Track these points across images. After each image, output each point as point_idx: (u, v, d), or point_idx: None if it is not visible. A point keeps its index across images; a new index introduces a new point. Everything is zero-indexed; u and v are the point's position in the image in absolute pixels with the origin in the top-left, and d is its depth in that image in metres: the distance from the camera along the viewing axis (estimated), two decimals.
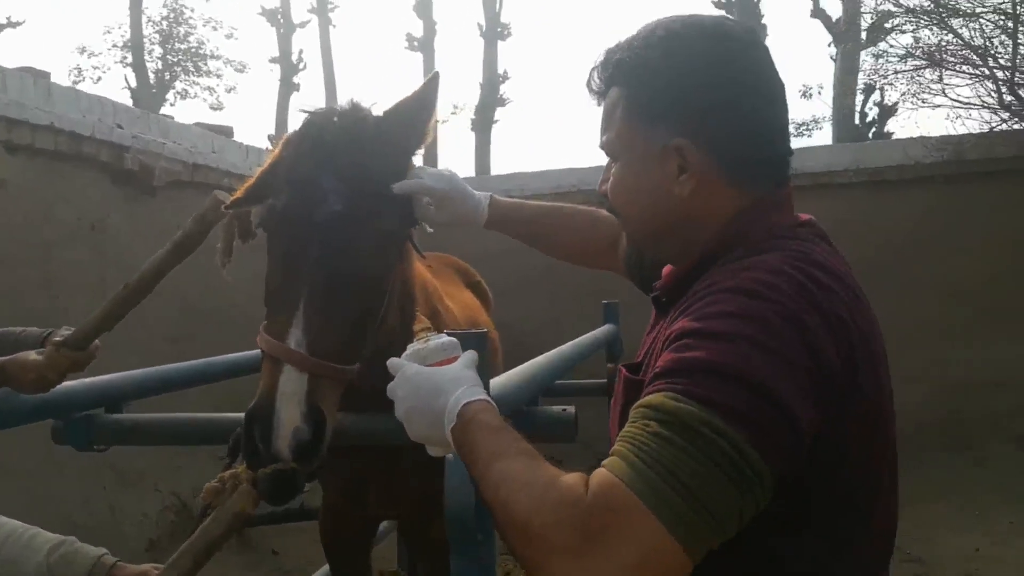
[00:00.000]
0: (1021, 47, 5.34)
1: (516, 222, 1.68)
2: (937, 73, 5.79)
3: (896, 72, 6.09)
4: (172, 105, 20.07)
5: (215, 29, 21.80)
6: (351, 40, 44.94)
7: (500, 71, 17.04)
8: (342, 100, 1.66)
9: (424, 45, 17.50)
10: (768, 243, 0.98)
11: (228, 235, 1.73)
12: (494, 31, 17.06)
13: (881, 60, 6.34)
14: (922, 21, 5.50)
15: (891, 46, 6.06)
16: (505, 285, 4.78)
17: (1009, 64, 5.43)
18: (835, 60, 14.47)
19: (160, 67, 20.11)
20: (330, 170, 1.48)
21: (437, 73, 1.67)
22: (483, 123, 16.98)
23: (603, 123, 1.11)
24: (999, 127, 6.08)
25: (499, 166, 21.86)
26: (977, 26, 5.51)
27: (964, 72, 5.70)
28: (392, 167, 1.57)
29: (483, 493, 0.90)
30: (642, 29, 1.07)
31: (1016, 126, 6.03)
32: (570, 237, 1.68)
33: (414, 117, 1.61)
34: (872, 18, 10.62)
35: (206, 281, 6.08)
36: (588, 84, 1.14)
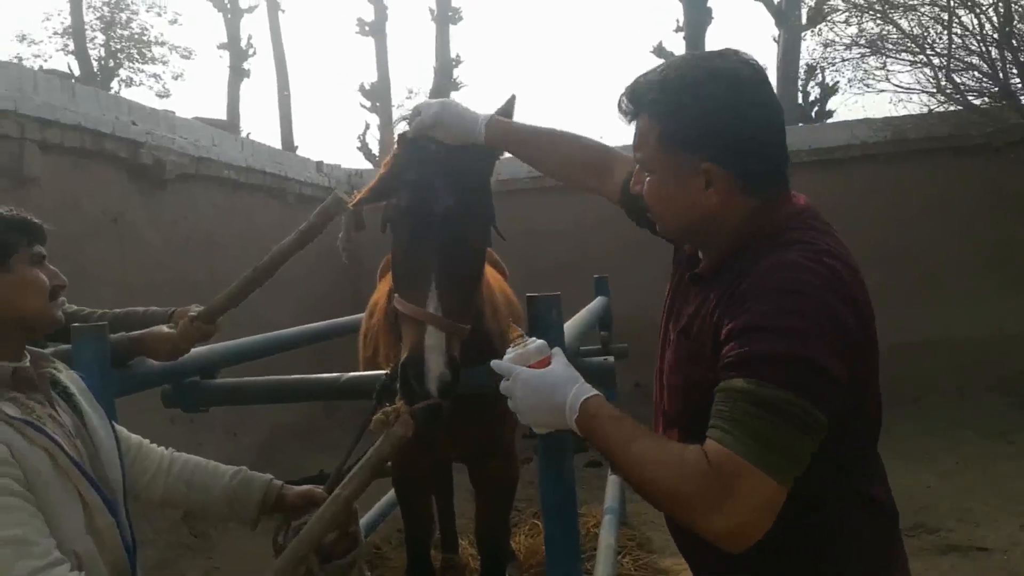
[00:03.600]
0: (955, 37, 5.90)
1: (515, 140, 1.86)
2: (881, 61, 6.34)
3: (843, 60, 6.62)
4: (117, 92, 19.74)
5: (159, 15, 21.57)
6: (301, 25, 44.09)
7: (453, 55, 17.12)
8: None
9: (375, 30, 17.47)
10: (784, 235, 1.31)
11: (348, 226, 2.08)
12: (445, 15, 17.07)
13: (829, 48, 6.84)
14: (866, 15, 6.02)
15: (838, 36, 6.58)
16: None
17: (945, 52, 6.00)
18: (777, 42, 14.89)
19: (103, 54, 19.74)
20: (440, 172, 1.87)
21: (514, 96, 2.04)
22: None
23: (637, 141, 1.38)
24: (936, 109, 6.69)
25: None
26: (915, 18, 6.07)
27: (904, 60, 6.25)
28: (483, 166, 1.96)
29: (626, 473, 1.25)
30: (671, 72, 1.34)
31: (951, 108, 6.65)
32: (564, 157, 1.86)
33: None
34: (813, 1, 11.21)
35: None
36: (619, 106, 1.42)
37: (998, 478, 5.53)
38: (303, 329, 3.27)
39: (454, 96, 17.01)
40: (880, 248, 7.24)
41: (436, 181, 1.86)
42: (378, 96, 17.23)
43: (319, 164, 7.65)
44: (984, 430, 6.60)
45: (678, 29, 15.53)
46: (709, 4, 14.86)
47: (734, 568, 1.29)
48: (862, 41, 6.39)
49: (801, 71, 14.26)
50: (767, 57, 15.03)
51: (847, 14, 6.25)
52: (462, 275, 1.87)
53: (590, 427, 1.31)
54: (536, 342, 1.48)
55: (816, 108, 14.17)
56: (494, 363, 1.48)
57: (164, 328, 2.15)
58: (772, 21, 14.79)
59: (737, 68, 1.32)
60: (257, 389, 2.58)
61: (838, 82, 13.19)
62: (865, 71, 6.67)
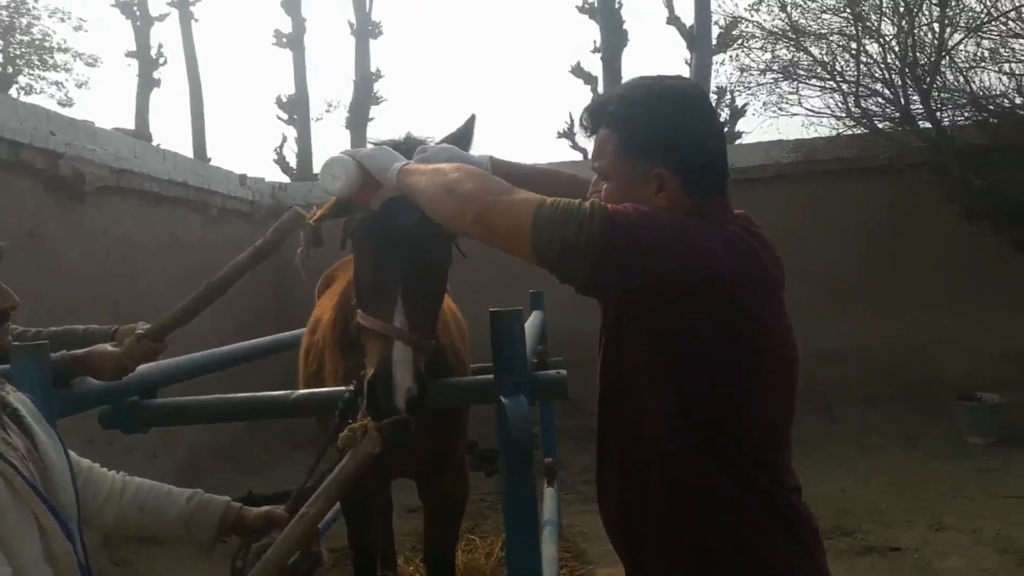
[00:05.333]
0: (862, 66, 6.27)
1: (519, 178, 1.91)
2: (793, 86, 6.67)
3: (759, 84, 6.93)
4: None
5: (63, 20, 20.47)
6: (215, 36, 42.83)
7: (373, 69, 17.04)
8: (398, 133, 2.07)
9: (294, 42, 17.18)
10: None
11: (307, 243, 2.07)
12: (365, 29, 16.96)
13: (745, 73, 7.16)
14: (780, 42, 6.33)
15: (753, 62, 6.90)
16: None
17: (853, 79, 6.36)
18: (689, 65, 15.41)
19: (1, 60, 18.77)
20: None
21: (474, 115, 2.10)
22: (358, 121, 16.90)
23: (595, 152, 1.53)
24: (845, 132, 7.08)
25: None
26: (826, 46, 6.41)
27: (815, 85, 6.60)
28: None
29: (424, 188, 1.57)
30: (628, 91, 1.50)
31: (859, 131, 7.04)
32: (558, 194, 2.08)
33: (459, 145, 2.04)
34: (722, 27, 11.68)
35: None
36: (581, 122, 1.58)
37: (908, 481, 5.85)
38: (245, 346, 3.20)
39: (374, 111, 16.96)
40: (792, 262, 7.32)
41: (401, 197, 1.88)
42: (296, 109, 16.94)
43: (242, 177, 7.48)
44: (892, 435, 6.97)
45: (595, 50, 15.90)
46: (625, 27, 15.26)
47: (670, 561, 1.40)
48: (775, 67, 6.72)
49: (712, 93, 14.77)
50: None
51: (763, 41, 6.56)
52: (428, 290, 1.89)
53: (403, 175, 1.64)
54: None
55: (726, 129, 14.72)
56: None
57: (107, 347, 2.09)
58: (684, 44, 15.31)
59: (687, 87, 1.51)
60: (203, 409, 2.52)
61: (747, 104, 13.77)
62: (779, 95, 7.01)
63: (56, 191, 4.66)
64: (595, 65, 15.89)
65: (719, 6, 13.19)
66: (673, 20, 15.40)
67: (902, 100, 6.21)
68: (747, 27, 6.89)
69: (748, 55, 6.48)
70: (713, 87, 14.64)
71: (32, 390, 1.76)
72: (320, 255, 2.14)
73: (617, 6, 15.23)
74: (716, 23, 13.83)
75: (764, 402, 1.42)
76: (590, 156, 1.56)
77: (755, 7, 6.65)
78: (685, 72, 15.52)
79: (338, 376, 2.60)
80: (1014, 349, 7.48)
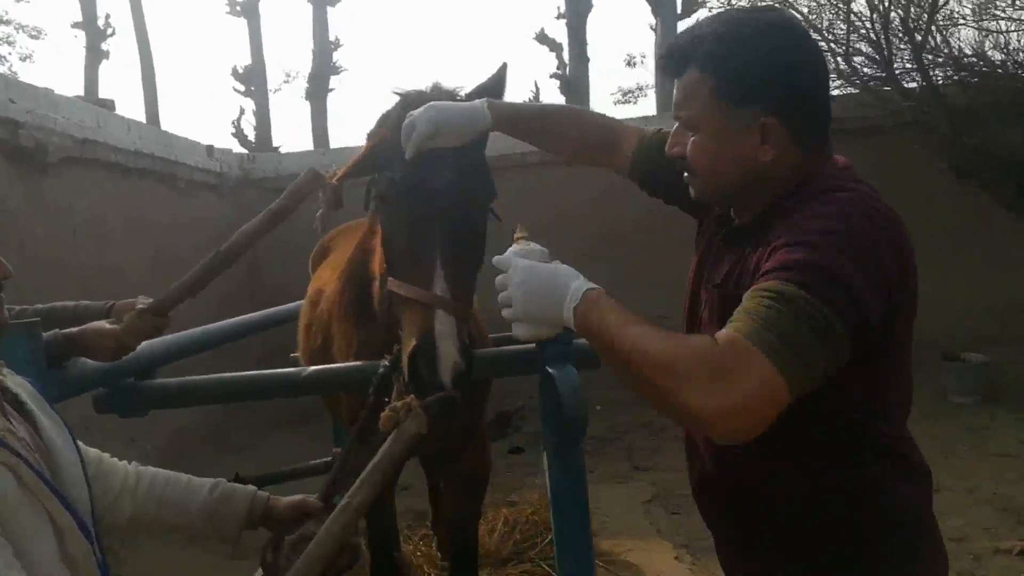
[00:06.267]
0: (854, 22, 6.16)
1: (522, 125, 1.76)
2: None
3: None
4: None
5: None
6: (166, 4, 41.33)
7: (332, 38, 16.62)
8: (425, 82, 1.88)
9: (248, 10, 16.68)
10: (830, 184, 1.29)
11: (328, 204, 1.87)
12: None
13: None
14: None
15: None
16: None
17: (844, 39, 6.26)
18: (655, 30, 15.28)
19: None
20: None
21: (505, 63, 1.94)
22: (317, 92, 16.54)
23: (680, 99, 1.32)
24: (833, 93, 6.98)
25: (339, 137, 21.40)
26: (815, 5, 6.30)
27: None
28: (479, 141, 1.82)
29: (618, 348, 1.15)
30: (723, 26, 1.29)
31: (847, 91, 6.97)
32: (572, 139, 1.78)
33: (491, 97, 1.86)
34: None
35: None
36: (663, 62, 1.35)
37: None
38: (240, 320, 3.01)
39: (333, 81, 16.52)
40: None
41: (436, 154, 1.69)
42: (253, 80, 16.47)
43: (209, 148, 7.15)
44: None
45: (559, 16, 15.71)
46: None
47: (773, 534, 1.28)
48: None
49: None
50: (647, 46, 15.41)
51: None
52: (469, 254, 1.73)
53: (589, 314, 1.21)
54: (539, 246, 1.38)
55: None
56: (496, 258, 1.36)
57: (104, 324, 1.89)
58: (649, 9, 15.15)
59: (789, 19, 1.34)
60: (208, 389, 2.34)
61: None
62: None
63: (17, 162, 4.35)
64: (560, 31, 15.67)
65: None
66: None
67: (889, 58, 6.12)
68: None
69: (697, 10, 6.26)
70: None
71: (24, 372, 1.56)
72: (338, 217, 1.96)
73: None
74: None
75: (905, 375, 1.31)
76: (674, 103, 1.35)
77: None
78: (650, 38, 15.44)
79: (351, 350, 2.42)
80: (996, 306, 7.54)
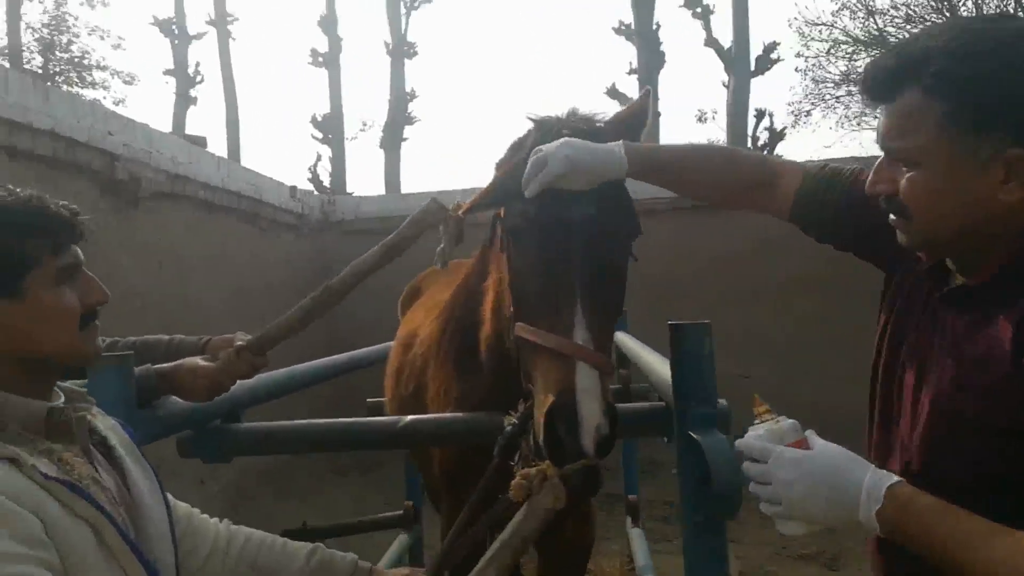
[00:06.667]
0: None
1: (664, 165, 1.58)
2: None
3: (836, 98, 6.53)
4: None
5: (102, 38, 20.68)
6: (252, 54, 43.27)
7: (408, 89, 16.98)
8: (561, 108, 1.72)
9: (329, 61, 17.22)
10: None
11: (450, 238, 1.72)
12: (400, 49, 17.01)
13: (820, 85, 6.77)
14: (868, 50, 5.95)
15: (828, 73, 6.51)
16: None
17: None
18: (727, 87, 15.17)
19: (40, 77, 18.86)
20: None
21: (648, 89, 1.79)
22: (392, 141, 16.86)
23: (896, 127, 1.11)
24: None
25: (409, 184, 21.73)
26: None
27: None
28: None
29: (961, 563, 0.96)
30: (955, 39, 1.08)
31: None
32: (717, 177, 1.59)
33: (631, 126, 1.70)
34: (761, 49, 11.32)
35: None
36: (868, 86, 1.15)
37: None
38: (327, 362, 2.86)
39: (407, 131, 16.82)
40: (866, 279, 7.16)
41: (569, 186, 1.53)
42: (330, 128, 16.91)
43: (293, 189, 7.21)
44: None
45: (631, 71, 15.74)
46: (662, 48, 15.13)
47: None
48: (852, 77, 6.32)
49: (752, 116, 14.51)
50: (718, 102, 15.35)
51: (844, 49, 6.17)
52: (611, 297, 1.54)
53: (902, 520, 1.01)
54: (788, 420, 1.15)
55: (766, 152, 14.43)
56: (741, 442, 1.15)
57: (199, 360, 1.76)
58: (722, 66, 15.06)
59: None
60: (297, 435, 2.18)
61: (785, 128, 13.44)
62: (859, 110, 6.57)
63: (111, 195, 4.37)
64: (631, 87, 15.69)
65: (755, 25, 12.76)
66: (711, 42, 15.27)
67: None
68: (830, 33, 6.50)
69: (770, 67, 6.05)
70: (752, 110, 14.40)
71: (115, 412, 1.42)
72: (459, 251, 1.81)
73: (655, 27, 15.18)
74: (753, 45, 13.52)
75: None
76: (883, 132, 1.14)
77: (839, 13, 6.26)
78: (722, 96, 15.28)
79: (449, 399, 2.24)
80: None
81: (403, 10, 17.09)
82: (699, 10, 15.16)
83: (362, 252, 1.72)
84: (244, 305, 5.79)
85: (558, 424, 1.35)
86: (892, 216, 1.17)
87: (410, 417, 2.11)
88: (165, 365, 1.74)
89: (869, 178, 1.19)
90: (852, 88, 6.05)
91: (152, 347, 2.00)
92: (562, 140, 1.51)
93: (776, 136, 14.43)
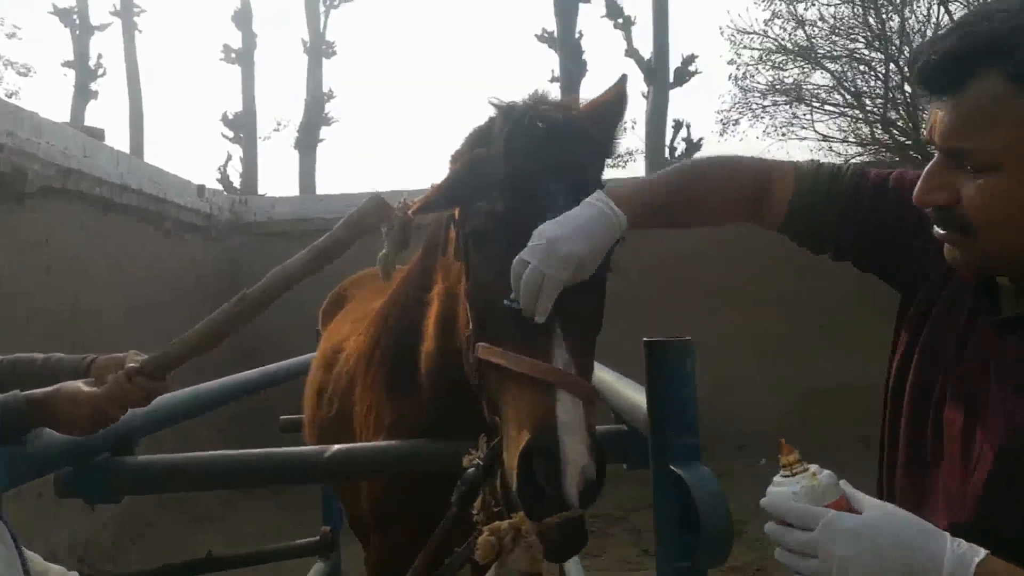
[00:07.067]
0: (892, 88, 5.95)
1: (659, 204, 1.33)
2: (807, 108, 6.31)
3: (763, 108, 6.57)
4: None
5: None
6: (160, 48, 41.44)
7: (325, 89, 16.56)
8: (527, 92, 1.49)
9: (243, 57, 16.59)
10: None
11: (394, 243, 1.46)
12: (319, 48, 16.60)
13: (748, 94, 6.81)
14: (796, 62, 5.99)
15: (757, 83, 6.56)
16: None
17: (879, 103, 6.04)
18: (646, 98, 15.30)
19: None
20: (553, 170, 1.33)
21: (626, 75, 1.57)
22: (307, 141, 16.41)
23: (959, 124, 0.93)
24: (853, 160, 6.78)
25: (325, 187, 21.20)
26: (847, 65, 6.09)
27: (826, 110, 6.25)
28: (597, 168, 1.45)
29: None
30: None
31: (867, 158, 6.73)
32: (713, 205, 1.37)
33: (609, 117, 1.50)
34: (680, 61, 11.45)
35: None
36: (925, 73, 0.95)
37: None
38: (237, 379, 2.55)
39: (324, 131, 16.35)
40: (785, 296, 7.22)
41: (550, 181, 1.31)
42: (242, 127, 16.29)
43: (200, 188, 6.74)
44: None
45: (553, 79, 15.74)
46: (584, 57, 15.16)
47: None
48: (779, 87, 6.37)
49: (670, 127, 14.70)
50: (637, 112, 15.52)
51: (773, 59, 6.21)
52: (591, 313, 1.32)
53: None
54: (824, 471, 0.93)
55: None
56: (771, 503, 0.93)
57: (80, 385, 1.46)
58: (642, 77, 15.16)
59: None
60: (203, 470, 1.87)
61: (702, 139, 13.62)
62: (796, 117, 6.61)
63: None
64: (554, 93, 15.59)
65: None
66: (632, 52, 15.34)
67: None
68: (761, 42, 6.54)
69: (689, 79, 6.08)
70: (670, 121, 14.57)
71: None
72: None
73: (577, 36, 15.20)
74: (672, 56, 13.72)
75: None
76: (944, 130, 0.95)
77: (770, 22, 6.31)
78: (642, 107, 15.39)
79: (380, 424, 1.98)
80: None
81: (322, 8, 16.68)
82: (620, 21, 15.28)
83: (277, 256, 1.47)
84: (145, 316, 5.33)
85: (536, 468, 1.12)
86: (941, 230, 0.98)
87: (339, 446, 1.83)
88: (38, 391, 1.43)
89: (918, 185, 0.98)
90: (778, 98, 6.12)
91: (22, 367, 1.66)
92: (537, 240, 1.20)
93: (693, 147, 14.63)
